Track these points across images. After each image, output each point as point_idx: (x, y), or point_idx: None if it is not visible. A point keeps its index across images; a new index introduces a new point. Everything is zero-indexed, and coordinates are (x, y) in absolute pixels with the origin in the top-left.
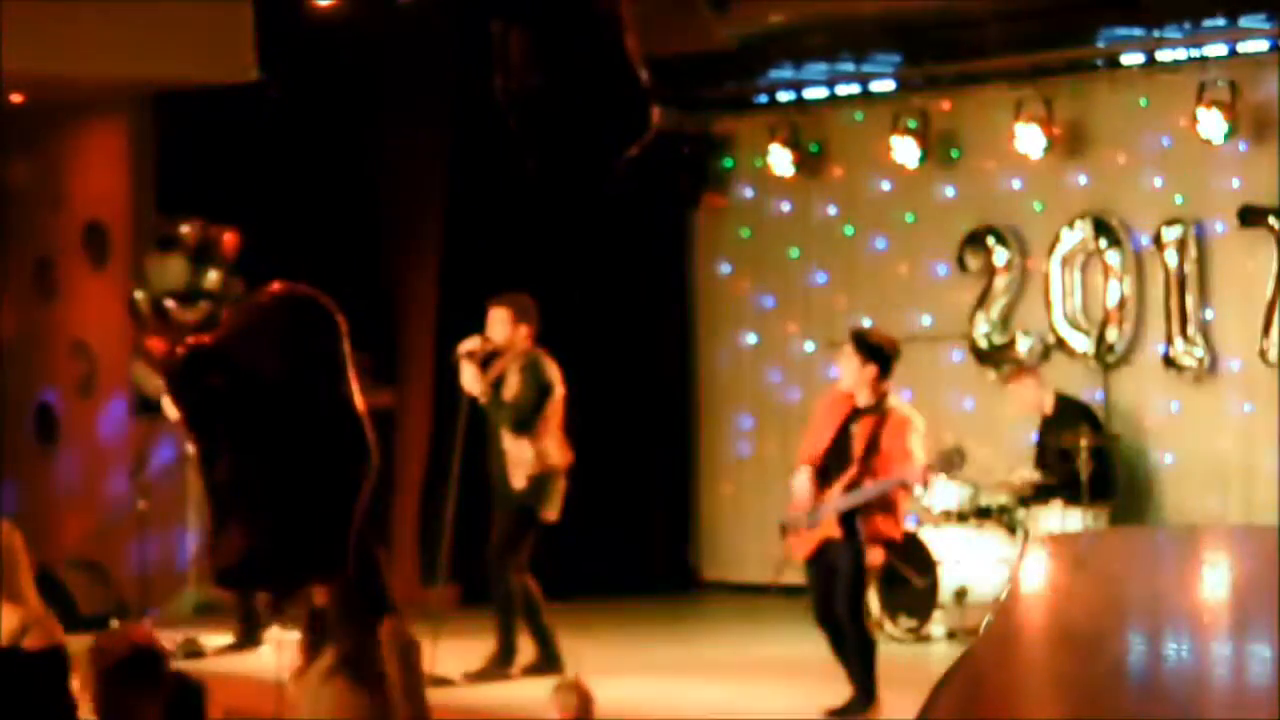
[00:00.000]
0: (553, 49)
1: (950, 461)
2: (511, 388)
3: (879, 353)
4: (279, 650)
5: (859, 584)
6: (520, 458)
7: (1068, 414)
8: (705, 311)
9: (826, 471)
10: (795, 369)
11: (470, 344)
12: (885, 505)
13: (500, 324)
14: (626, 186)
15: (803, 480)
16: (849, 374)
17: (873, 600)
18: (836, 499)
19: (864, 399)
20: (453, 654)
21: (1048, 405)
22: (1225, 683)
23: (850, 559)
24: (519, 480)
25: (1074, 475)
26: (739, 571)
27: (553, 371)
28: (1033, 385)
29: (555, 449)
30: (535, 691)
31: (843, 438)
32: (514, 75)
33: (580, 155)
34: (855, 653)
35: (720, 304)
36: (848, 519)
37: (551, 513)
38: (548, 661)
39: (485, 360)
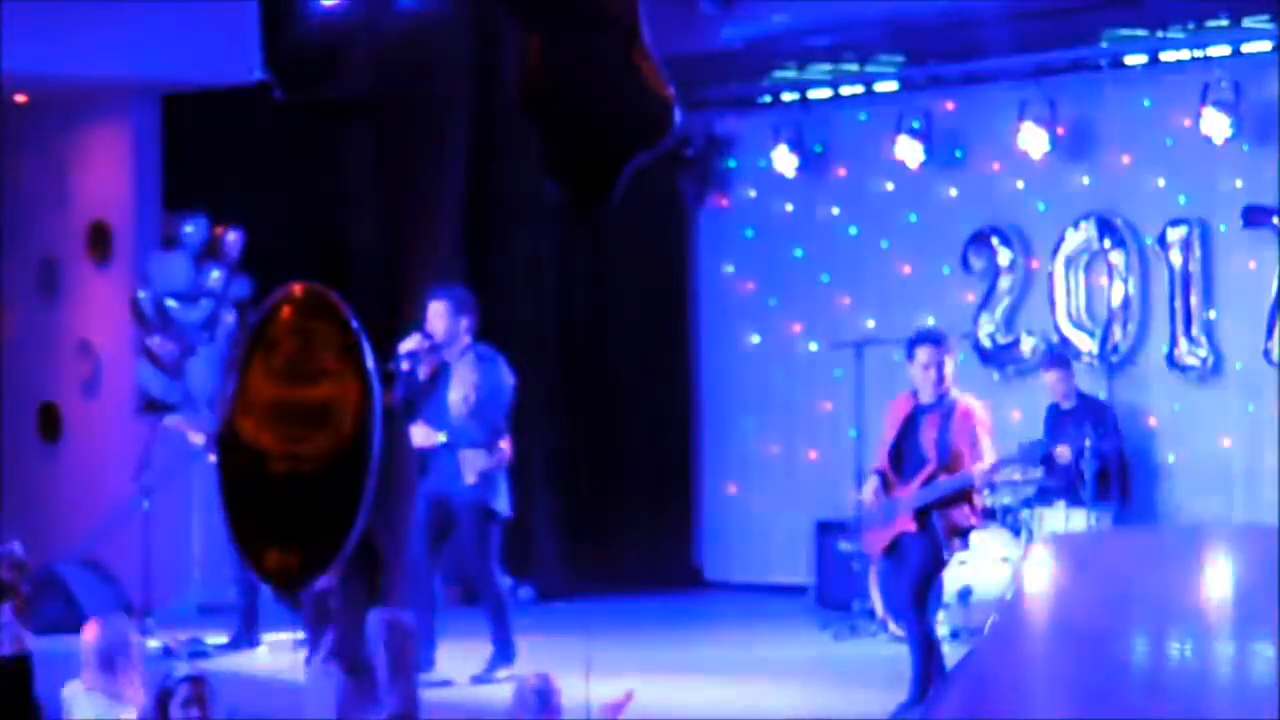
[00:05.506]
0: (570, 50)
1: (1031, 456)
2: (463, 384)
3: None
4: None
5: (927, 578)
6: (473, 455)
7: (1082, 412)
8: (709, 312)
9: (896, 471)
10: (799, 369)
11: (410, 343)
12: (962, 498)
13: (440, 317)
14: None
15: (869, 487)
16: (913, 373)
17: (875, 599)
18: (913, 494)
19: (926, 396)
20: (453, 654)
21: (1070, 400)
22: (1227, 682)
23: (922, 552)
24: (472, 478)
25: (1078, 475)
26: (743, 572)
27: (505, 369)
28: (1065, 377)
29: (504, 445)
30: None
31: (908, 436)
32: (532, 78)
33: (599, 159)
34: (913, 645)
35: (724, 304)
36: (924, 514)
37: (503, 508)
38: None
39: (429, 355)
